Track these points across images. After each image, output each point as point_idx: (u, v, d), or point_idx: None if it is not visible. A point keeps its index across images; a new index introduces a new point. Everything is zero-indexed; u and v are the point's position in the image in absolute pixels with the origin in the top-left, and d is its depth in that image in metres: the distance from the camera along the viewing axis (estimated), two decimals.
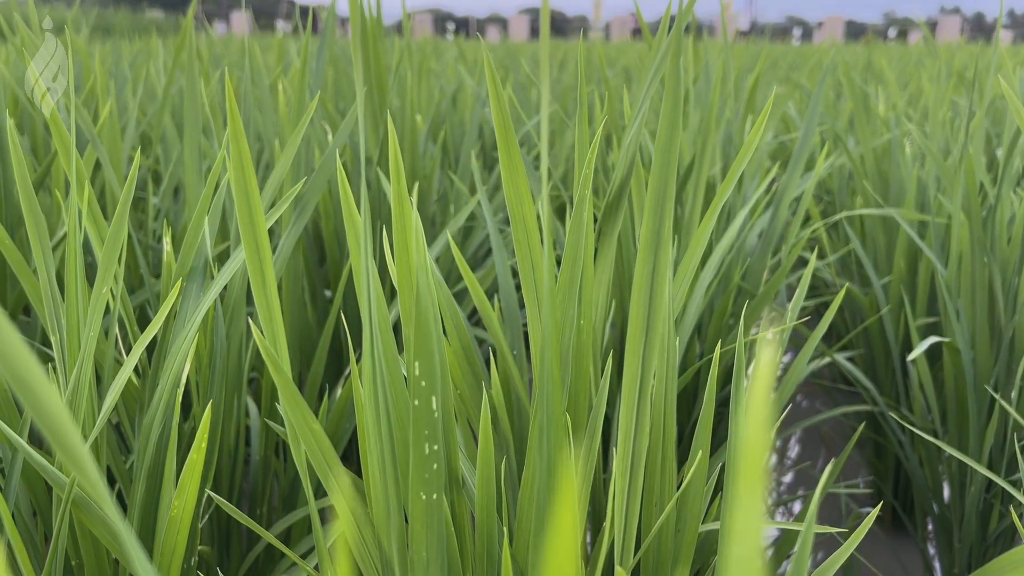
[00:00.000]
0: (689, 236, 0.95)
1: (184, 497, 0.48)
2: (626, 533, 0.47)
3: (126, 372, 0.49)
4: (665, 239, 0.43)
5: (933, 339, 0.83)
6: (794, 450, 1.48)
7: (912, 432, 1.09)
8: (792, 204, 1.46)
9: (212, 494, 0.56)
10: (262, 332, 0.49)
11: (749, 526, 0.15)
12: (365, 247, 0.41)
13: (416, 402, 0.38)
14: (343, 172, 0.44)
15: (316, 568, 0.74)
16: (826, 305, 1.62)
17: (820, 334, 0.75)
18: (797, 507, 1.25)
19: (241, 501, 0.86)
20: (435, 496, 0.40)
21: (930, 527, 1.16)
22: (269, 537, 0.55)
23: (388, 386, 0.43)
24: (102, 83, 1.00)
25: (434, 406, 0.38)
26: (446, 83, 1.73)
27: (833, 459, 0.73)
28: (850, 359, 1.36)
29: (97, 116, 1.30)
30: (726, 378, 1.07)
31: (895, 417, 0.92)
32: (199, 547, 0.74)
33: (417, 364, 0.38)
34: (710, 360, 0.98)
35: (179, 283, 0.52)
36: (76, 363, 0.54)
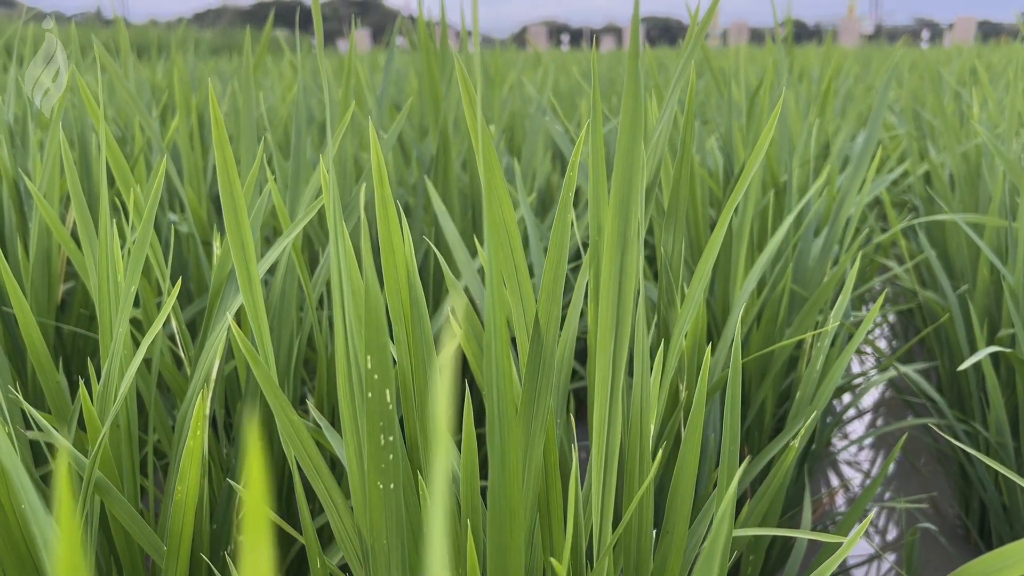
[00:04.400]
0: (740, 241, 0.93)
1: (186, 483, 0.51)
2: (601, 532, 0.47)
3: (135, 363, 0.52)
4: (631, 239, 0.43)
5: (991, 348, 0.79)
6: (875, 465, 1.43)
7: (984, 447, 1.03)
8: (864, 212, 1.41)
9: (232, 483, 0.59)
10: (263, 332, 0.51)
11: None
12: (337, 244, 0.43)
13: (370, 395, 0.40)
14: (326, 177, 0.46)
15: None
16: (907, 313, 1.55)
17: (860, 339, 0.72)
18: (883, 521, 1.20)
19: (291, 493, 0.89)
20: (392, 486, 0.41)
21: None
22: (290, 530, 0.57)
23: (364, 380, 0.44)
24: (180, 97, 1.06)
25: (388, 399, 0.40)
26: (524, 93, 1.75)
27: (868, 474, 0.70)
28: (930, 370, 1.30)
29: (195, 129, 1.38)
30: (785, 377, 1.04)
31: (935, 429, 0.88)
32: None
33: (369, 358, 0.39)
34: (757, 358, 0.96)
35: (176, 287, 0.55)
36: (108, 353, 0.58)
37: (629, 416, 0.48)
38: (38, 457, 0.85)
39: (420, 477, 0.47)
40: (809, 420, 0.66)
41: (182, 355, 0.80)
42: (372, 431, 0.40)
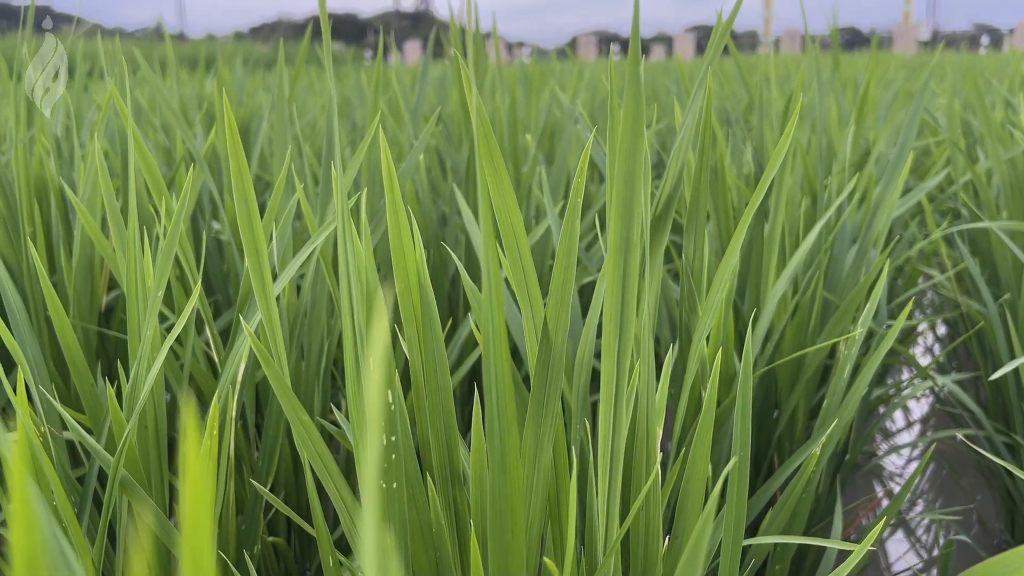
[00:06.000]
0: (772, 247, 0.93)
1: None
2: (607, 535, 0.47)
3: (158, 362, 0.54)
4: (634, 242, 0.44)
5: None
6: (924, 478, 1.40)
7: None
8: (906, 220, 1.39)
9: (256, 483, 0.60)
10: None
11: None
12: (345, 246, 0.44)
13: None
14: (337, 181, 0.47)
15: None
16: (954, 324, 1.52)
17: (888, 345, 0.72)
18: (931, 536, 1.18)
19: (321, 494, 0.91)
20: (395, 485, 0.42)
21: None
22: (304, 524, 0.58)
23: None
24: (219, 109, 1.08)
25: (389, 398, 0.41)
26: (564, 103, 1.76)
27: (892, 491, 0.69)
28: (978, 382, 1.27)
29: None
30: (820, 386, 1.03)
31: (970, 441, 0.86)
32: (270, 539, 0.79)
33: (371, 358, 0.40)
34: (788, 367, 0.95)
35: (196, 289, 0.57)
36: (136, 355, 0.60)
37: (636, 419, 0.49)
38: (77, 460, 0.88)
39: (429, 477, 0.48)
40: (830, 428, 0.65)
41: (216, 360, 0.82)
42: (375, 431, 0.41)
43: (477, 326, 0.82)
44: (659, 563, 0.50)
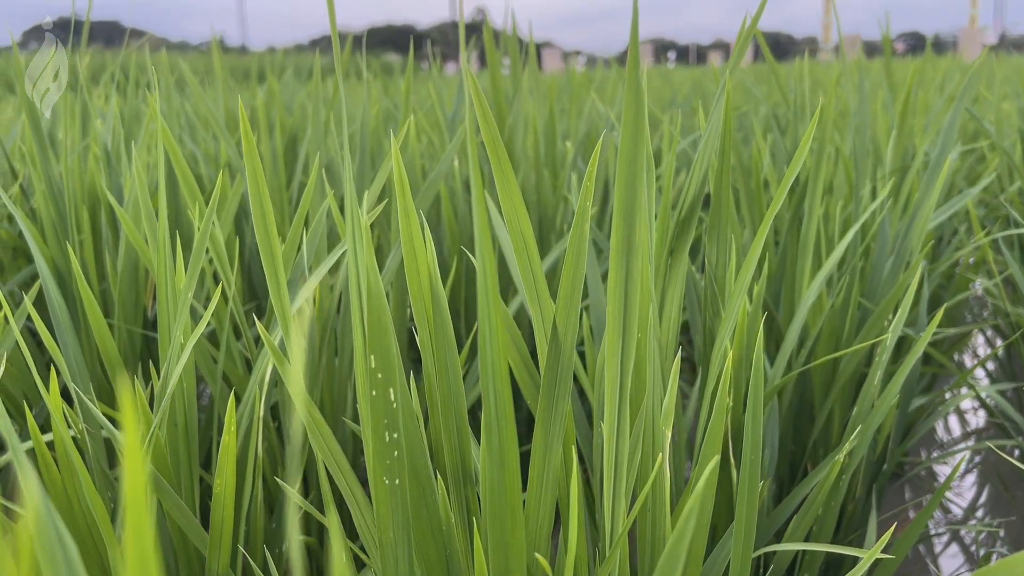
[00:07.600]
0: (806, 252, 0.92)
1: (224, 477, 0.54)
2: (611, 539, 0.47)
3: (183, 360, 0.55)
4: (637, 244, 0.44)
5: None
6: (982, 491, 1.36)
7: None
8: (955, 225, 1.36)
9: (279, 481, 0.62)
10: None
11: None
12: (354, 247, 0.45)
13: (374, 392, 0.41)
14: (350, 185, 0.49)
15: None
16: (995, 330, 1.48)
17: (920, 350, 0.70)
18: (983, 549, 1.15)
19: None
20: (397, 481, 0.43)
21: None
22: (320, 517, 0.59)
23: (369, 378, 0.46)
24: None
25: (391, 397, 0.42)
26: (601, 110, 1.76)
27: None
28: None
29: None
30: (855, 390, 1.02)
31: (999, 451, 0.84)
32: (302, 538, 0.81)
33: (372, 357, 0.41)
34: (823, 375, 0.94)
35: (218, 290, 0.59)
36: (167, 355, 0.62)
37: (642, 423, 0.49)
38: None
39: (439, 476, 0.49)
40: (855, 435, 0.64)
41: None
42: (377, 428, 0.42)
43: None
44: None
